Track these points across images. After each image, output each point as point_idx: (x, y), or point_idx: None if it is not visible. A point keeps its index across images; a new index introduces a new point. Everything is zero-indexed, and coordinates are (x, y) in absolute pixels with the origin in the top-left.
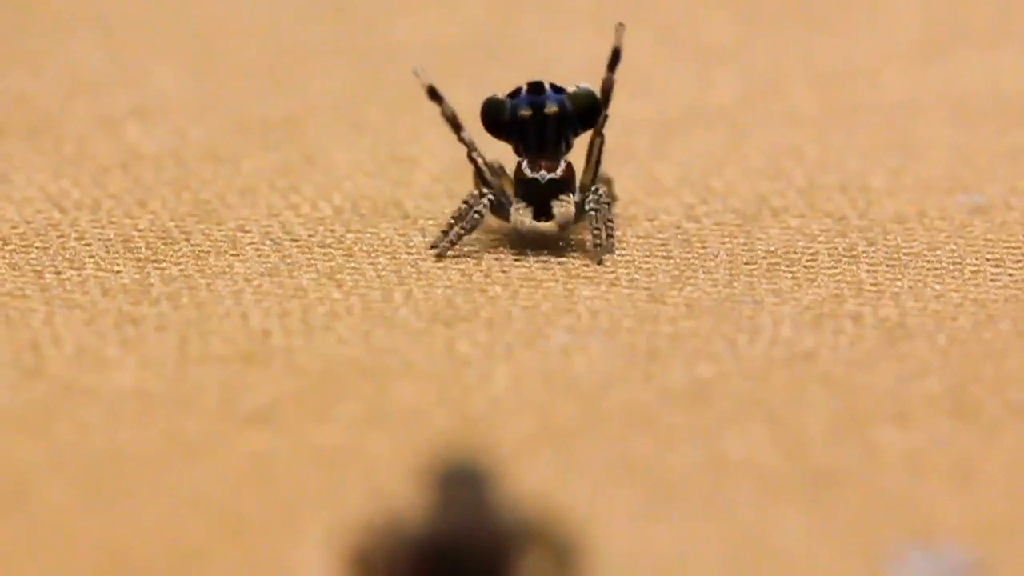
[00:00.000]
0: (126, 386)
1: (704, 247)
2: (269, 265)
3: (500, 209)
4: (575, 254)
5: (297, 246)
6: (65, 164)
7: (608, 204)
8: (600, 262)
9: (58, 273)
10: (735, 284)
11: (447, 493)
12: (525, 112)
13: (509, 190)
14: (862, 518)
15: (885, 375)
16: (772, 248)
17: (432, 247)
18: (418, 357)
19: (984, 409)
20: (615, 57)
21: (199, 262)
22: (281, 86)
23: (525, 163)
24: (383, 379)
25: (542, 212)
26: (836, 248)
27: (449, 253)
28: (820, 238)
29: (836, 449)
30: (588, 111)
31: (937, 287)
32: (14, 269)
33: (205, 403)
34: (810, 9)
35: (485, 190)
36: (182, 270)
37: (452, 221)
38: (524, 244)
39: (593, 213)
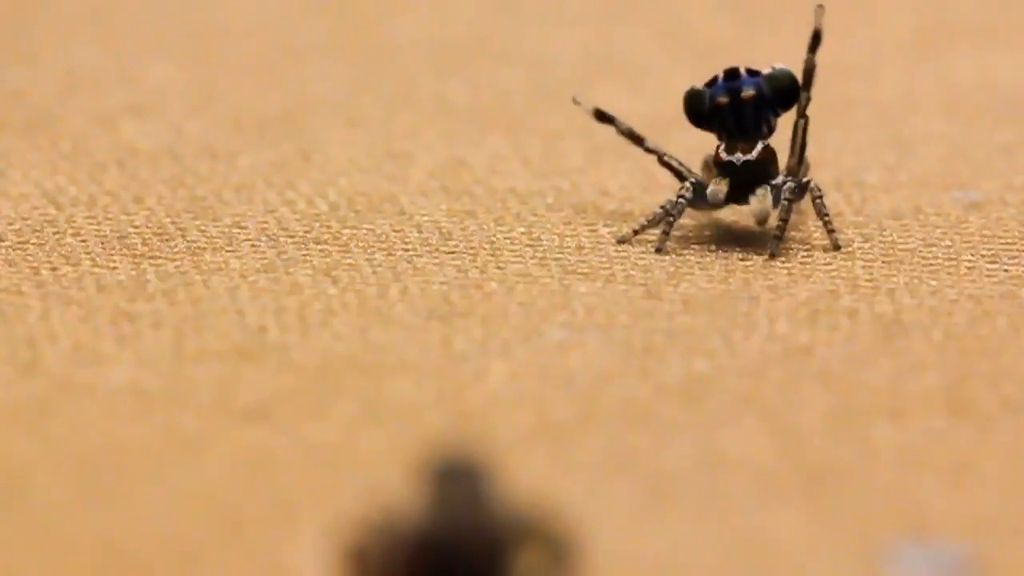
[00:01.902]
0: (122, 382)
1: (700, 243)
2: (265, 261)
3: (699, 196)
4: (570, 250)
5: (293, 242)
6: (61, 160)
7: (820, 197)
8: (772, 255)
9: (54, 269)
10: (731, 280)
11: (443, 489)
12: (723, 99)
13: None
14: (858, 514)
15: (881, 371)
16: (766, 244)
17: (619, 242)
18: (414, 353)
19: (980, 405)
20: (816, 39)
21: (195, 258)
22: (277, 83)
23: (722, 147)
24: (379, 375)
25: (738, 195)
26: (706, 233)
27: (445, 248)
28: (816, 234)
29: (832, 445)
30: (787, 92)
31: (933, 283)
32: (10, 265)
33: (201, 399)
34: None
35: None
36: (178, 266)
37: (653, 216)
38: (716, 238)
39: (785, 203)
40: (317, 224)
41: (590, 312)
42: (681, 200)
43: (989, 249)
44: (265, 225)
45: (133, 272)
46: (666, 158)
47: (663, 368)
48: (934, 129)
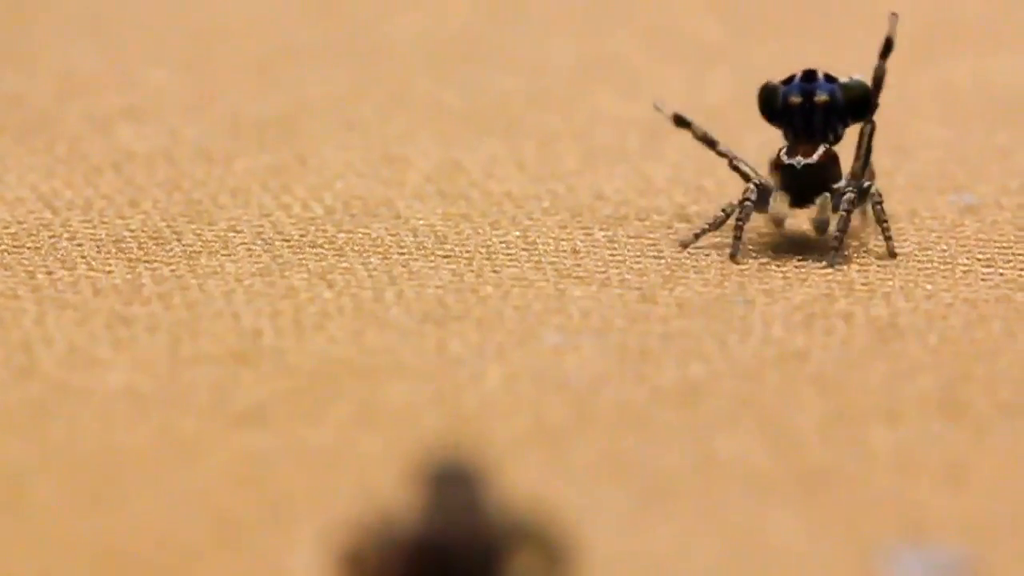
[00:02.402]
0: (118, 386)
1: (695, 247)
2: (261, 265)
3: (763, 199)
4: (566, 253)
5: (289, 246)
6: (57, 164)
7: (880, 203)
8: (831, 266)
9: (50, 273)
10: (726, 284)
11: (439, 493)
12: (795, 99)
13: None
14: (853, 517)
15: (876, 374)
16: (763, 248)
17: (682, 245)
18: (409, 357)
19: (975, 408)
20: (887, 46)
21: (191, 262)
22: (273, 86)
23: (784, 150)
24: (375, 379)
25: (799, 199)
26: (827, 247)
27: (440, 252)
28: (811, 237)
29: (827, 448)
30: (859, 103)
31: (928, 287)
32: (6, 269)
33: (197, 403)
34: (801, 9)
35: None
36: (174, 270)
37: (714, 220)
38: (783, 246)
39: (844, 213)
40: (313, 228)
41: (585, 316)
42: (748, 204)
43: (984, 253)
44: (261, 229)
45: (129, 276)
46: (736, 163)
47: (658, 372)
48: (930, 133)
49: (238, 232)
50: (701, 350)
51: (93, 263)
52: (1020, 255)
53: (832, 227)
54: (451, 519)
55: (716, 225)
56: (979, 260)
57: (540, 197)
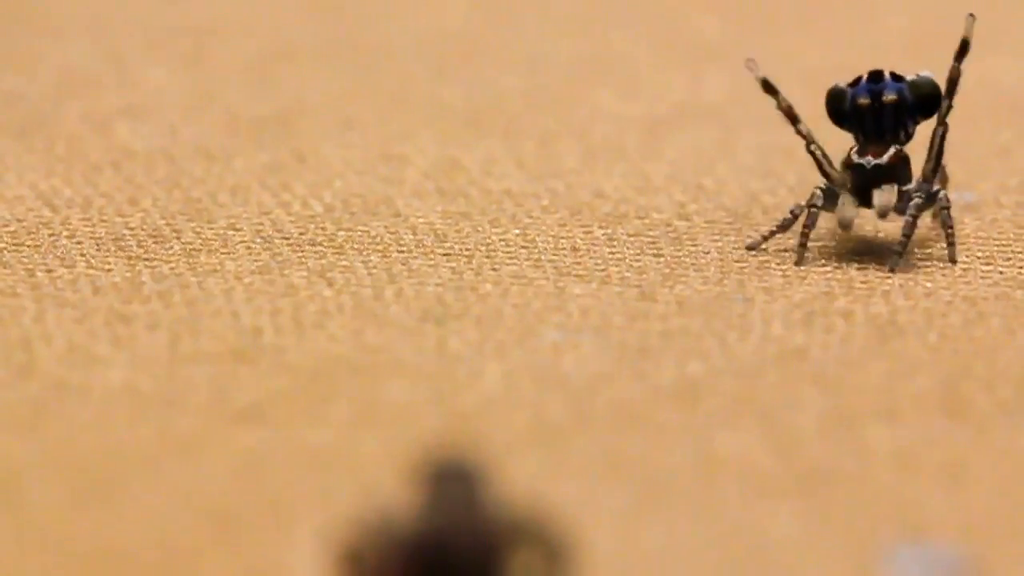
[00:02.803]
0: (117, 384)
1: (695, 245)
2: (260, 263)
3: (831, 200)
4: (565, 252)
5: (288, 244)
6: (56, 162)
7: (947, 208)
8: (891, 270)
9: (49, 271)
10: (726, 282)
11: (438, 490)
12: (864, 100)
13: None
14: (853, 515)
15: (876, 373)
16: (763, 246)
17: (748, 248)
18: (409, 355)
19: (974, 407)
20: (963, 47)
21: (190, 260)
22: (272, 85)
23: (854, 150)
24: (374, 377)
25: (865, 199)
26: (827, 245)
27: (440, 250)
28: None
29: (827, 447)
30: (929, 100)
31: (928, 284)
32: (5, 267)
33: (196, 401)
34: (800, 7)
35: (820, 185)
36: (173, 268)
37: (782, 221)
38: (848, 250)
39: (909, 218)
40: (312, 226)
41: (585, 314)
42: (814, 209)
43: (984, 251)
44: (260, 227)
45: (128, 274)
46: (812, 147)
47: (658, 370)
48: (930, 131)
49: (237, 230)
50: (701, 348)
51: (92, 261)
52: (1019, 253)
53: (890, 222)
54: (450, 517)
55: (784, 227)
56: (978, 258)
57: (539, 195)
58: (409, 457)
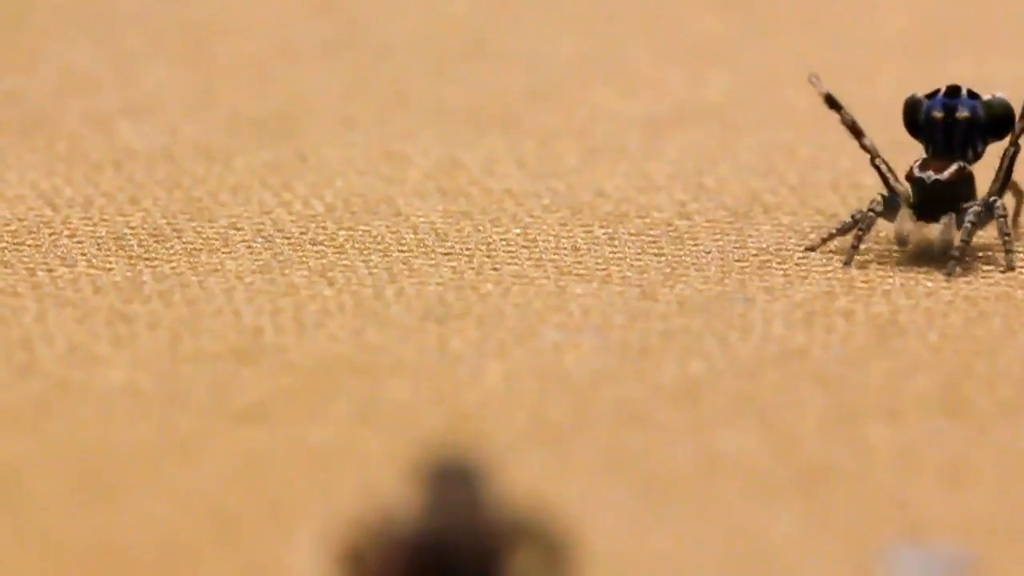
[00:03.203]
0: (118, 384)
1: (696, 244)
2: (261, 263)
3: (891, 210)
4: (566, 251)
5: (289, 243)
6: (57, 162)
7: (1004, 217)
8: (949, 275)
9: (50, 271)
10: (727, 281)
11: (439, 490)
12: (937, 114)
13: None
14: (854, 515)
15: (877, 372)
16: (764, 245)
17: (808, 250)
18: (410, 354)
19: (975, 406)
20: None
21: (191, 260)
22: (273, 84)
23: (917, 163)
24: (375, 376)
25: (925, 214)
26: (827, 245)
27: (441, 249)
28: (812, 235)
29: (827, 446)
30: (1002, 121)
31: (928, 284)
32: (6, 267)
33: (197, 400)
34: (802, 7)
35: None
36: (174, 268)
37: (842, 225)
38: (786, 245)
39: (968, 226)
40: (313, 225)
41: (586, 313)
42: (871, 214)
43: (985, 250)
44: (261, 226)
45: (129, 273)
46: (877, 161)
47: (659, 369)
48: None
49: (238, 229)
50: (702, 348)
51: (93, 260)
52: (1020, 252)
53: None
54: (451, 517)
55: (844, 230)
56: (979, 258)
57: (540, 194)
58: (410, 456)
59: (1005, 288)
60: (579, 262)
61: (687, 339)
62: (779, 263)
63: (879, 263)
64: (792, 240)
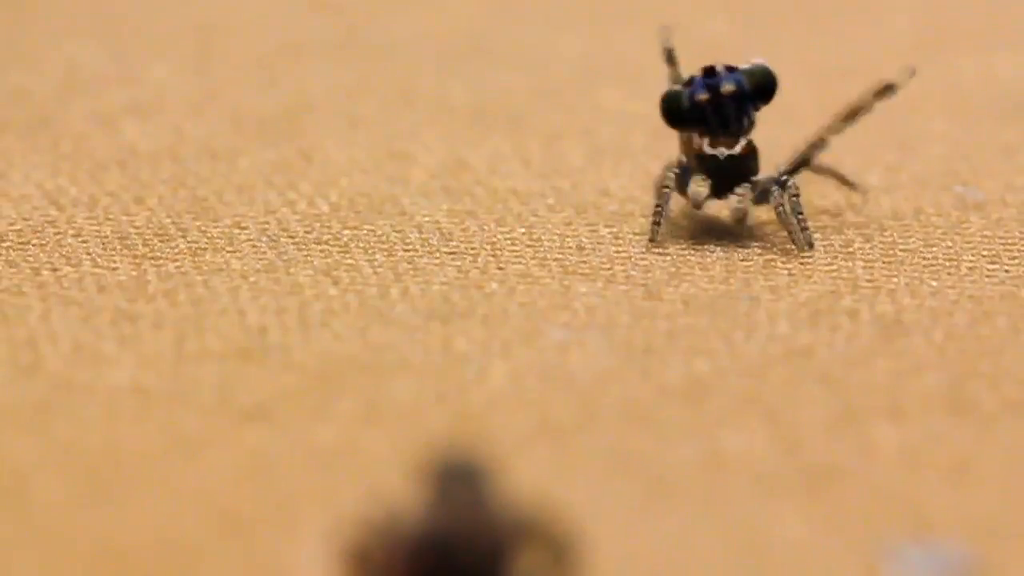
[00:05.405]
0: (123, 383)
1: (700, 244)
2: (266, 262)
3: (684, 183)
4: (571, 250)
5: (294, 243)
6: (62, 161)
7: (796, 196)
8: (810, 245)
9: (55, 270)
10: (731, 281)
11: (444, 489)
12: (702, 96)
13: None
14: (859, 514)
15: (881, 371)
16: (768, 244)
17: (652, 241)
18: (415, 354)
19: (981, 405)
20: (887, 90)
21: (196, 259)
22: (278, 83)
23: (705, 142)
24: (380, 376)
25: (720, 189)
26: (832, 244)
27: (446, 249)
28: (816, 234)
29: (833, 445)
30: (765, 86)
31: (933, 283)
32: (11, 266)
33: (202, 400)
34: (806, 5)
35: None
36: (179, 267)
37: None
38: (716, 237)
39: (779, 210)
40: (318, 224)
41: (591, 312)
42: (666, 191)
43: (990, 249)
44: (266, 226)
45: (134, 273)
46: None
47: (664, 368)
48: (935, 129)
49: (243, 229)
50: (706, 347)
51: (98, 260)
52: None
53: (743, 218)
54: (456, 516)
55: (664, 203)
56: (984, 257)
57: (545, 194)
58: (415, 456)
59: (1010, 288)
60: (584, 261)
61: (692, 338)
62: (784, 262)
63: (883, 262)
64: (794, 242)
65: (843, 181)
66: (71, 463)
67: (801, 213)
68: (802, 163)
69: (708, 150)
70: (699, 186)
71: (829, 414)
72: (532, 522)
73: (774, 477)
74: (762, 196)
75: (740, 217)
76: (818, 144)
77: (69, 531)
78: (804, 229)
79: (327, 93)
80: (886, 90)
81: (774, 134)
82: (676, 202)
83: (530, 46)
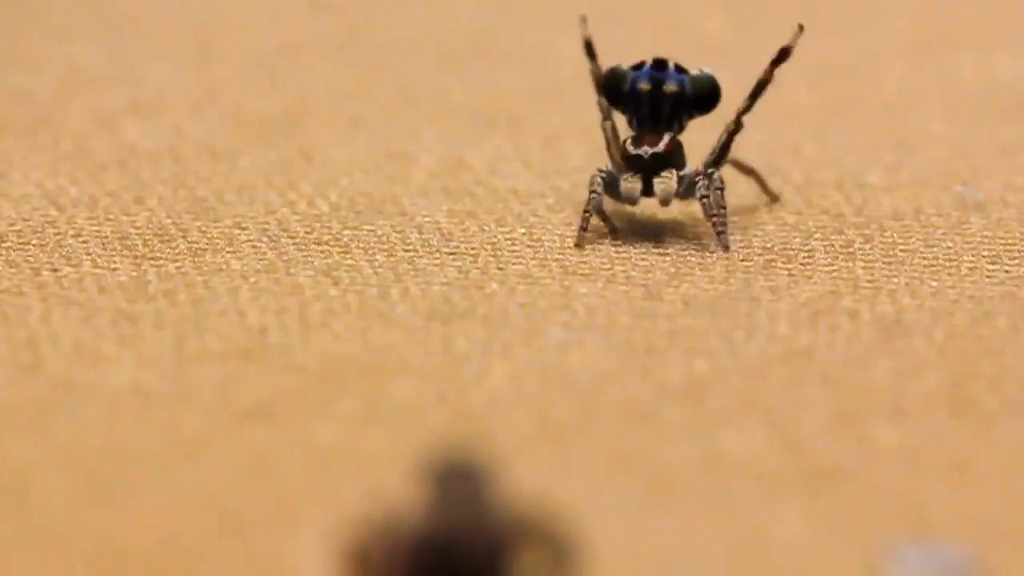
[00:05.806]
0: (123, 383)
1: (700, 244)
2: (266, 262)
3: (612, 186)
4: (571, 250)
5: (294, 243)
6: (62, 161)
7: (721, 190)
8: (726, 248)
9: (55, 270)
10: (732, 281)
11: (444, 490)
12: (644, 86)
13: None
14: (859, 514)
15: (882, 371)
16: (769, 245)
17: (577, 246)
18: (415, 354)
19: (981, 405)
20: (783, 55)
21: (196, 259)
22: (278, 83)
23: (628, 141)
24: (380, 376)
25: (650, 186)
26: (833, 244)
27: (446, 249)
28: (817, 235)
29: (833, 445)
30: (707, 97)
31: (934, 283)
32: (11, 266)
33: (202, 400)
34: (807, 6)
35: (601, 169)
36: (179, 267)
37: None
38: (789, 243)
39: (704, 201)
40: (318, 225)
41: (591, 313)
42: (594, 196)
43: (990, 250)
44: (266, 226)
45: (134, 273)
46: (606, 125)
47: (664, 369)
48: (935, 129)
49: (243, 229)
50: (707, 347)
51: (98, 260)
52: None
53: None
54: (456, 516)
55: (594, 209)
56: (984, 257)
57: (545, 194)
58: (415, 456)
59: (1010, 288)
60: (584, 262)
61: (692, 338)
62: (784, 262)
63: (884, 262)
64: (797, 239)
65: (763, 185)
66: (71, 463)
67: (724, 207)
68: (723, 150)
69: (632, 150)
70: (631, 183)
71: (829, 414)
72: (532, 522)
73: (774, 477)
74: (689, 189)
75: (666, 199)
76: (732, 128)
77: (69, 531)
78: (721, 232)
79: (327, 93)
80: (781, 55)
81: (774, 134)
82: (675, 200)
83: (530, 46)
